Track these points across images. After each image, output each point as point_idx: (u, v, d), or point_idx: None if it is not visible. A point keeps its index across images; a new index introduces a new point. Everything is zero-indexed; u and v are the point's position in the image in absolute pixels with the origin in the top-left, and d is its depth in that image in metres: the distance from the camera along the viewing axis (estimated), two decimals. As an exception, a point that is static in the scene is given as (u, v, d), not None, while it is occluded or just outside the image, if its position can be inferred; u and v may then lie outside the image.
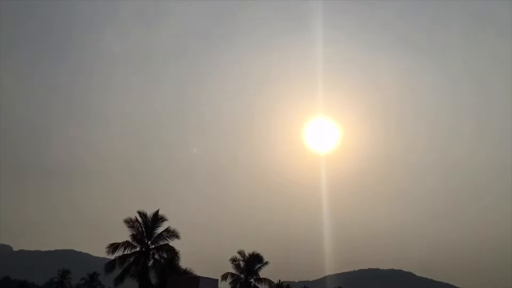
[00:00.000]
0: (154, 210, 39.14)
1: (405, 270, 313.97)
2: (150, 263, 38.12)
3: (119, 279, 37.47)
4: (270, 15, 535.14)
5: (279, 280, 61.99)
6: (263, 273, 50.69)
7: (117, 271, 37.45)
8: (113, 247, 37.59)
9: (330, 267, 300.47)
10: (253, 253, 50.56)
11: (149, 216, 38.72)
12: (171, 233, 38.66)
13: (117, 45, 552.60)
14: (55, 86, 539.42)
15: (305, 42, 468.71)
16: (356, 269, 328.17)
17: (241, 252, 50.41)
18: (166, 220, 39.06)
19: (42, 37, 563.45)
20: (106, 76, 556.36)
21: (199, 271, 38.77)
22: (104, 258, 42.46)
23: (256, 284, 50.02)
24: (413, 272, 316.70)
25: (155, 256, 38.32)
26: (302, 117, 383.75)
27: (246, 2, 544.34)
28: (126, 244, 37.95)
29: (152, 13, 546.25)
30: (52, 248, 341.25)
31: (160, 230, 38.76)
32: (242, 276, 49.68)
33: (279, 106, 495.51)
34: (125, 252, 37.84)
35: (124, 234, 38.40)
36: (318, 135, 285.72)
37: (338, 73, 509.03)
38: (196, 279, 33.87)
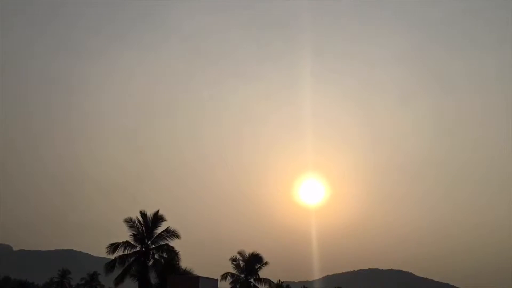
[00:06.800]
0: (154, 210, 39.24)
1: (405, 270, 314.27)
2: (150, 263, 38.19)
3: (119, 279, 37.54)
4: (260, 73, 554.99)
5: (279, 280, 62.03)
6: (263, 273, 50.79)
7: (117, 271, 37.55)
8: (113, 247, 37.68)
9: (330, 267, 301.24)
10: (253, 253, 50.60)
11: (149, 216, 38.75)
12: (171, 233, 38.71)
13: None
14: (53, 87, 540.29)
15: (295, 100, 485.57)
16: (356, 269, 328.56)
17: (241, 252, 50.48)
18: (166, 220, 39.15)
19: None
20: (103, 76, 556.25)
21: (199, 271, 38.87)
22: (104, 258, 42.54)
23: (256, 284, 50.07)
24: (413, 272, 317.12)
25: (155, 256, 38.38)
26: (293, 172, 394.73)
27: (235, 57, 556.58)
28: (126, 244, 38.02)
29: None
30: (52, 248, 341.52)
31: (160, 230, 38.82)
32: (242, 276, 49.73)
33: (271, 163, 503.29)
34: (125, 252, 37.95)
35: (124, 234, 38.55)
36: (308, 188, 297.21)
37: (326, 132, 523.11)
38: (196, 279, 33.93)
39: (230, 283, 49.20)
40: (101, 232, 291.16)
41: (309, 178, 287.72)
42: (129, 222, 38.44)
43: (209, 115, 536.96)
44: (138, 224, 38.55)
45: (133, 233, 38.38)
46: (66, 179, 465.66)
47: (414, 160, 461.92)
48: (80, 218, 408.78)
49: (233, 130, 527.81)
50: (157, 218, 38.75)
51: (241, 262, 50.02)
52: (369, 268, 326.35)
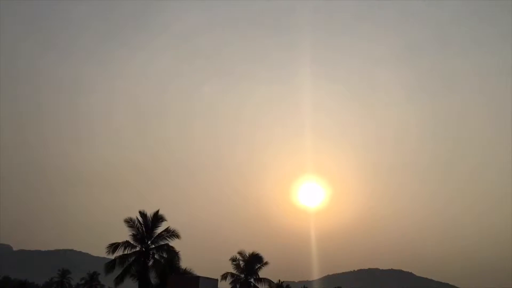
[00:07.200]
0: (154, 210, 39.17)
1: (405, 270, 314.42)
2: (150, 263, 38.10)
3: (119, 279, 37.46)
4: (258, 71, 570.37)
5: (279, 280, 62.05)
6: (263, 273, 50.77)
7: (117, 271, 37.43)
8: (113, 247, 37.56)
9: (330, 267, 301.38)
10: (253, 253, 50.56)
11: (149, 216, 38.67)
12: (171, 233, 38.63)
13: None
14: (52, 85, 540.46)
15: (295, 99, 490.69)
16: (356, 269, 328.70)
17: (241, 252, 50.43)
18: (166, 220, 39.05)
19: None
20: (107, 75, 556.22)
21: (199, 271, 38.84)
22: (104, 258, 42.45)
23: (256, 284, 50.03)
24: (413, 272, 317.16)
25: (155, 256, 38.29)
26: (294, 173, 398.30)
27: (232, 55, 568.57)
28: (126, 244, 37.91)
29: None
30: (52, 248, 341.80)
31: (160, 230, 38.73)
32: (242, 276, 49.69)
33: (271, 163, 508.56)
34: (125, 252, 37.83)
35: (124, 234, 38.44)
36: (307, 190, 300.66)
37: (327, 131, 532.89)
38: (196, 279, 33.92)
39: (230, 283, 49.17)
40: (101, 232, 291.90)
41: (309, 179, 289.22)
42: (129, 222, 38.36)
43: (206, 114, 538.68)
44: (138, 224, 38.44)
45: (133, 233, 38.28)
46: (66, 179, 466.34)
47: (415, 160, 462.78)
48: (80, 218, 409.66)
49: (232, 131, 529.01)
50: (157, 218, 38.67)
51: (241, 262, 49.97)
52: (369, 268, 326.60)
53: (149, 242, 38.48)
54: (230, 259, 50.08)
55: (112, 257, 37.80)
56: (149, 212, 38.90)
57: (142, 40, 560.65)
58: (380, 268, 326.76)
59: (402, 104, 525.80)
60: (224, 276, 48.91)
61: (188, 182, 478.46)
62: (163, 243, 38.51)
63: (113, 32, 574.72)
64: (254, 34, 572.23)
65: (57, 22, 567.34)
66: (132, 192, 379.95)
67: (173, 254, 38.18)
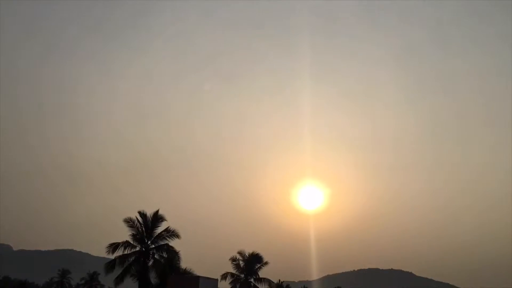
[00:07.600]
0: (154, 210, 39.17)
1: (405, 270, 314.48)
2: (150, 263, 38.10)
3: (119, 279, 37.46)
4: (257, 73, 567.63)
5: (279, 280, 62.09)
6: (263, 273, 50.81)
7: (117, 271, 37.44)
8: (113, 247, 37.54)
9: (330, 267, 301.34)
10: (253, 253, 50.59)
11: (149, 216, 38.66)
12: (171, 233, 38.63)
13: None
14: (52, 85, 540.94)
15: (293, 102, 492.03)
16: (356, 269, 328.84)
17: (241, 252, 50.46)
18: (166, 220, 39.05)
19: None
20: (107, 75, 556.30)
21: (199, 271, 38.86)
22: (104, 258, 42.47)
23: (256, 284, 50.06)
24: (413, 272, 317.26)
25: (155, 256, 38.30)
26: (294, 175, 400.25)
27: (230, 57, 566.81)
28: (126, 244, 37.90)
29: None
30: (52, 248, 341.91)
31: (160, 230, 38.71)
32: (242, 276, 49.71)
33: (271, 164, 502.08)
34: (125, 252, 37.81)
35: (124, 234, 38.43)
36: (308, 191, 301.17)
37: (325, 136, 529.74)
38: (196, 279, 33.94)
39: (230, 283, 49.20)
40: (101, 232, 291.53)
41: (309, 180, 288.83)
42: (129, 222, 38.34)
43: (206, 114, 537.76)
44: (138, 224, 38.41)
45: (132, 233, 38.26)
46: (66, 179, 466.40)
47: (415, 161, 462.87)
48: (80, 218, 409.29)
49: (233, 131, 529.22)
50: (157, 218, 38.66)
51: (241, 262, 50.00)
52: (369, 268, 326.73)
53: (149, 242, 38.47)
54: (230, 259, 50.14)
55: (112, 257, 37.81)
56: (149, 212, 38.92)
57: (142, 40, 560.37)
58: (380, 268, 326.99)
59: (402, 104, 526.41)
60: (224, 276, 48.94)
61: (188, 182, 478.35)
62: (163, 243, 38.50)
63: (113, 33, 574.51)
64: (254, 34, 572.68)
65: (58, 22, 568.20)
66: (132, 192, 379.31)
67: (173, 254, 38.19)
